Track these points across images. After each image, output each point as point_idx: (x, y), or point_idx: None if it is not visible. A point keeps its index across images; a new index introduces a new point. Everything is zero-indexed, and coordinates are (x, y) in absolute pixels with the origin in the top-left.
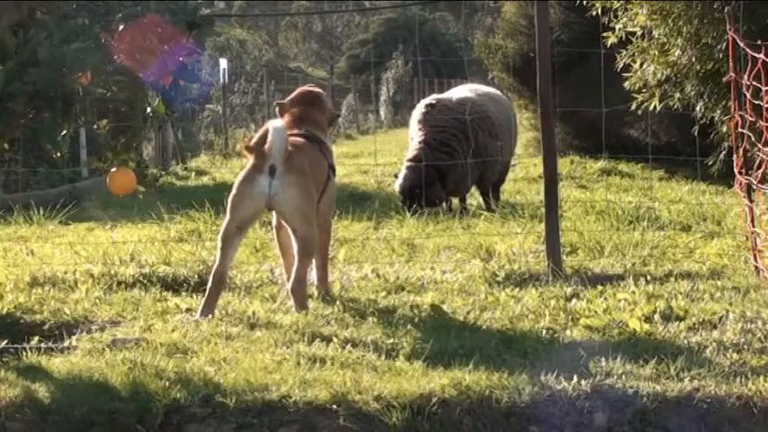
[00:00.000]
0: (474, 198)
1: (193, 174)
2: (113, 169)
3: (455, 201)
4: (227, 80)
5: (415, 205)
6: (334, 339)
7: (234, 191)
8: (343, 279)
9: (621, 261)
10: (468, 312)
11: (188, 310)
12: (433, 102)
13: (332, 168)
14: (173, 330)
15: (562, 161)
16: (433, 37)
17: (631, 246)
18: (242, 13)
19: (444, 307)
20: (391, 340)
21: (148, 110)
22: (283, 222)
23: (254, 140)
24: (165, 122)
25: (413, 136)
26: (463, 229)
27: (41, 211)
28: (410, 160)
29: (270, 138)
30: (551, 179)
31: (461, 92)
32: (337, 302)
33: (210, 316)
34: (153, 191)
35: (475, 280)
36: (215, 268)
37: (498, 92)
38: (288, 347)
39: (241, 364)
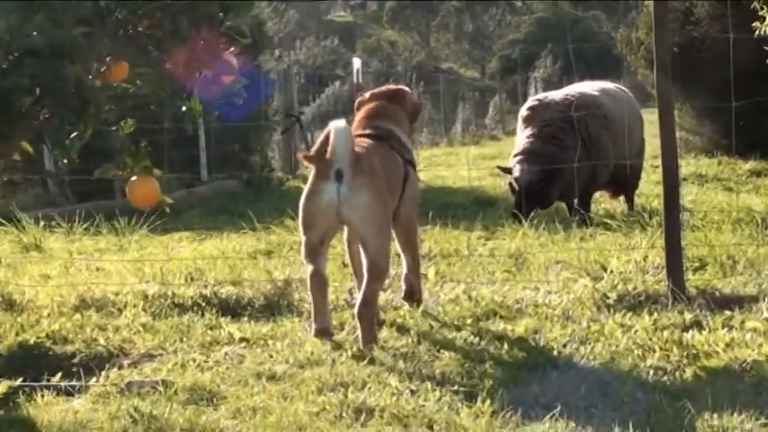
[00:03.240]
0: (599, 204)
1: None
2: (133, 178)
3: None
4: (360, 81)
5: (532, 206)
6: (393, 382)
7: (301, 210)
8: (430, 301)
9: (756, 279)
10: (565, 345)
11: (243, 339)
12: (539, 98)
13: (410, 164)
14: (210, 367)
15: (709, 162)
16: (586, 36)
17: None
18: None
19: (538, 338)
20: (459, 385)
21: (183, 108)
22: (353, 234)
23: (314, 147)
24: (293, 125)
25: (518, 138)
26: (582, 240)
27: (129, 221)
28: (520, 153)
29: (332, 139)
30: (671, 184)
31: (572, 88)
32: (412, 332)
33: (325, 328)
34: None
35: (582, 303)
36: (310, 273)
37: (619, 87)
38: (335, 392)
39: (270, 415)
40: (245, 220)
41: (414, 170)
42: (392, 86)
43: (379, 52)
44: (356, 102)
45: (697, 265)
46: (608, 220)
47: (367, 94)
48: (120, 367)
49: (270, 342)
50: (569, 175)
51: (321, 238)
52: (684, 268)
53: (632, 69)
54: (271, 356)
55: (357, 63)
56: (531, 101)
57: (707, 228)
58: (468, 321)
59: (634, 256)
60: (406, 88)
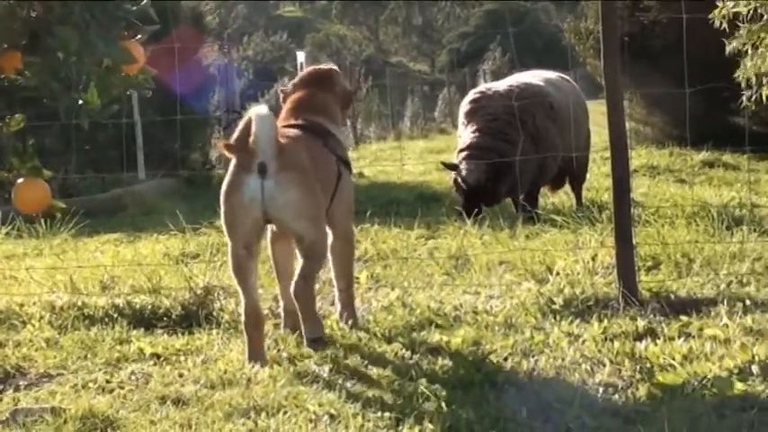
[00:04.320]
0: (546, 199)
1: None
2: (20, 180)
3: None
4: None
5: (478, 204)
6: (312, 406)
7: (222, 205)
8: (361, 309)
9: (714, 280)
10: (506, 359)
11: (153, 355)
12: (482, 90)
13: (344, 163)
14: (112, 390)
15: (660, 153)
16: (535, 27)
17: (728, 258)
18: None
19: (477, 351)
20: (386, 409)
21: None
22: (285, 234)
23: (234, 136)
24: (234, 121)
25: (460, 133)
26: (527, 239)
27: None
28: (466, 149)
29: (254, 128)
30: (621, 179)
31: (514, 78)
32: (338, 344)
33: (260, 364)
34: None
35: (526, 309)
36: (244, 307)
37: (562, 76)
38: (245, 418)
39: None
40: (178, 220)
41: (348, 170)
42: (319, 67)
43: (327, 47)
44: (280, 92)
45: (650, 264)
46: (555, 217)
47: (290, 84)
48: (18, 389)
49: (182, 358)
50: (517, 170)
51: (247, 243)
52: (636, 268)
53: (581, 60)
54: (180, 375)
55: (301, 57)
56: (472, 93)
57: (659, 223)
58: (401, 332)
59: (582, 255)
60: (335, 68)
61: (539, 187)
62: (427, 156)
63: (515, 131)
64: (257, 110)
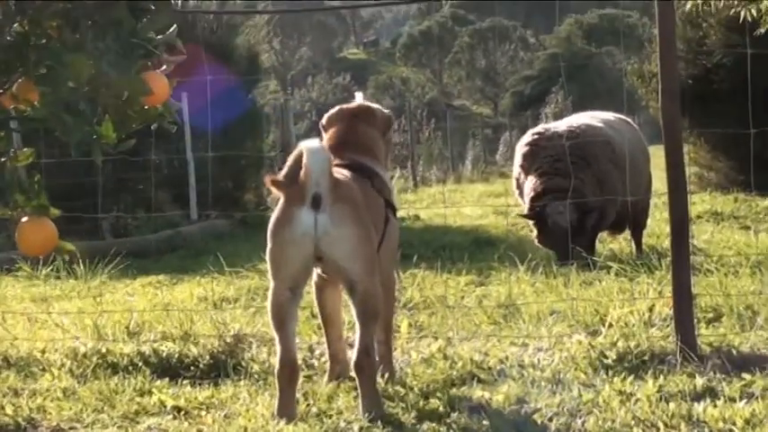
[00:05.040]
0: (605, 245)
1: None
2: (24, 219)
3: None
4: None
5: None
6: None
7: (270, 241)
8: (400, 360)
9: None
10: (551, 419)
11: (175, 408)
12: (539, 131)
13: (391, 208)
14: None
15: (725, 198)
16: (600, 71)
17: None
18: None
19: (521, 410)
20: None
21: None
22: (333, 277)
23: (284, 171)
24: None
25: (517, 175)
26: (583, 286)
27: (98, 262)
28: (544, 192)
29: (307, 160)
30: (680, 224)
31: (574, 118)
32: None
33: (292, 419)
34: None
35: (576, 363)
36: (279, 356)
37: (621, 117)
38: None
39: None
40: (227, 261)
41: (394, 214)
42: (357, 104)
43: (390, 89)
44: (320, 125)
45: (710, 316)
46: (611, 264)
47: (328, 115)
48: None
49: (204, 413)
50: (596, 210)
51: (293, 284)
52: (695, 321)
53: (644, 104)
54: None
55: (359, 97)
56: (530, 135)
57: (722, 272)
58: (441, 387)
59: (638, 306)
60: (372, 105)
61: (597, 233)
62: (485, 199)
63: (582, 172)
64: (308, 143)
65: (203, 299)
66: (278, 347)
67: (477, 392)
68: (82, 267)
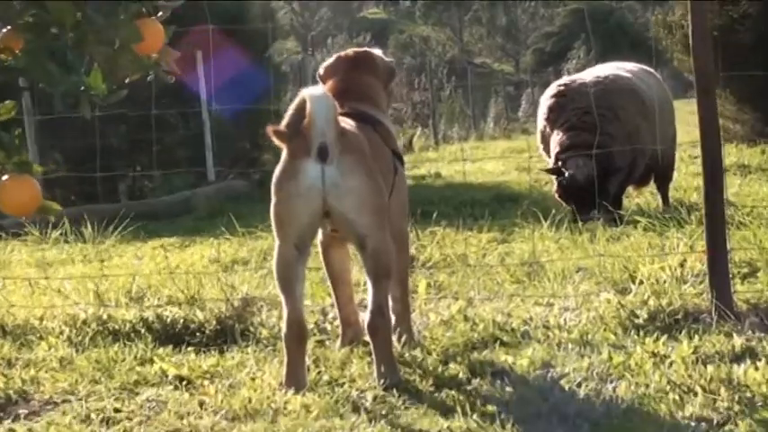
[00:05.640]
0: (631, 200)
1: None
2: (4, 177)
3: None
4: None
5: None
6: None
7: (274, 197)
8: (418, 323)
9: None
10: (579, 385)
11: (177, 377)
12: (566, 82)
13: (398, 157)
14: (118, 421)
15: (752, 151)
16: (621, 26)
17: None
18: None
19: (546, 374)
20: None
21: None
22: (342, 233)
23: (285, 121)
24: None
25: (543, 128)
26: (609, 242)
27: (108, 225)
28: (567, 149)
29: (311, 109)
30: (713, 174)
31: (600, 69)
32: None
33: (300, 387)
34: None
35: (605, 323)
36: (286, 319)
37: (645, 69)
38: None
39: None
40: (241, 223)
41: (401, 164)
42: (356, 50)
43: (411, 48)
44: (318, 75)
45: (746, 271)
46: (639, 218)
47: (323, 68)
48: (16, 418)
49: (207, 382)
50: (619, 167)
51: (300, 241)
52: (731, 276)
53: (668, 55)
54: (201, 404)
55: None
56: (555, 86)
57: (755, 225)
58: (461, 351)
59: (669, 261)
60: (372, 51)
61: (625, 188)
62: (508, 155)
63: (611, 125)
64: (311, 90)
65: (214, 261)
66: (284, 309)
67: (501, 356)
68: (90, 231)
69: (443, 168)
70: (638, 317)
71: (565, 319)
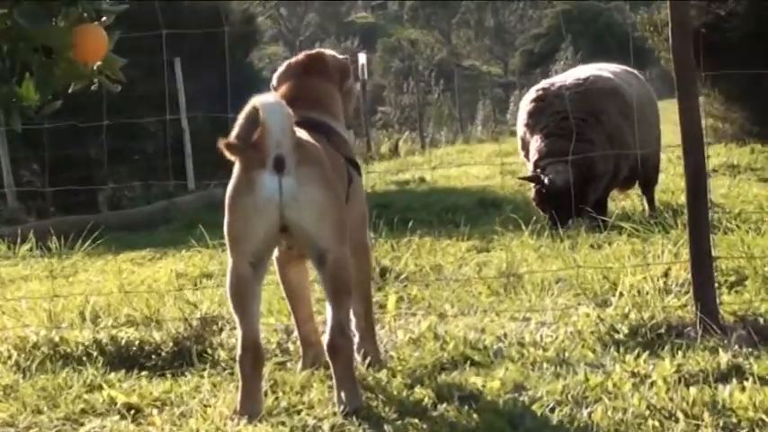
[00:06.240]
0: (617, 203)
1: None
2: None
3: None
4: (365, 77)
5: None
6: None
7: (227, 211)
8: (385, 342)
9: None
10: (553, 410)
11: (126, 406)
12: (544, 86)
13: (353, 164)
14: None
15: (741, 150)
16: (610, 27)
17: None
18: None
19: (518, 398)
20: None
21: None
22: (299, 248)
23: (235, 132)
24: None
25: (523, 134)
26: (592, 249)
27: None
28: (545, 157)
29: (264, 118)
30: (696, 177)
31: (580, 71)
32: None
33: (255, 413)
34: None
35: (583, 339)
36: (240, 340)
37: (627, 69)
38: None
39: None
40: (218, 233)
41: (358, 173)
42: (306, 53)
43: (399, 51)
44: (272, 86)
45: (733, 279)
46: (623, 224)
47: (275, 77)
48: None
49: (156, 411)
50: (601, 173)
51: (255, 258)
52: (716, 286)
53: (656, 54)
54: None
55: (362, 58)
56: (534, 91)
57: (742, 230)
58: (429, 372)
59: (653, 271)
60: (326, 52)
61: (609, 192)
62: (495, 159)
63: (591, 130)
64: (263, 97)
65: (182, 275)
66: (239, 330)
67: (470, 378)
68: (56, 245)
69: (428, 173)
70: (618, 332)
71: (541, 336)
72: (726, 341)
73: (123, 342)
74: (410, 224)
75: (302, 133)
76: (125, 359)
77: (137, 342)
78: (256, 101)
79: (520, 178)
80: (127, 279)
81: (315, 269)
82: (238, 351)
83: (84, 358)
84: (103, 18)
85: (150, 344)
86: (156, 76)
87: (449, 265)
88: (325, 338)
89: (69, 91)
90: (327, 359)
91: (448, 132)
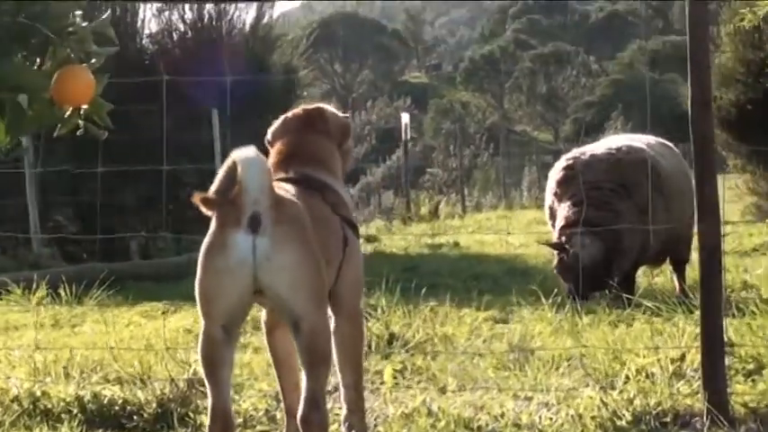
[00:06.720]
0: (649, 278)
1: (361, 240)
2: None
3: None
4: (408, 137)
5: (593, 286)
6: None
7: (200, 271)
8: (375, 416)
9: None
10: None
11: None
12: (575, 155)
13: (351, 226)
14: None
15: None
16: (663, 99)
17: None
18: None
19: None
20: None
21: None
22: (277, 312)
23: (213, 187)
24: None
25: (551, 203)
26: (612, 325)
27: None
28: (572, 225)
29: (241, 174)
30: (710, 257)
31: (613, 140)
32: None
33: None
34: None
35: (583, 424)
36: (210, 409)
37: (662, 142)
38: None
39: None
40: None
41: (355, 234)
42: (305, 108)
43: (451, 113)
44: (266, 141)
45: (752, 367)
46: (645, 302)
47: (272, 128)
48: None
49: None
50: (628, 247)
51: (227, 322)
52: (732, 373)
53: None
54: None
55: (405, 118)
56: (564, 160)
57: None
58: None
59: (667, 353)
60: (325, 107)
61: (637, 268)
62: (534, 227)
63: (621, 203)
64: (242, 152)
65: (189, 331)
66: (209, 398)
67: None
68: (66, 294)
69: (463, 238)
70: (620, 418)
71: (540, 417)
72: None
73: (106, 400)
74: (423, 291)
75: (288, 189)
76: (106, 418)
77: (120, 401)
78: (235, 155)
79: (544, 243)
80: (130, 333)
81: (291, 336)
82: (207, 421)
83: (64, 415)
84: (92, 60)
85: (134, 404)
86: (195, 125)
87: (462, 335)
88: (299, 411)
89: (54, 135)
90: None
91: (492, 197)
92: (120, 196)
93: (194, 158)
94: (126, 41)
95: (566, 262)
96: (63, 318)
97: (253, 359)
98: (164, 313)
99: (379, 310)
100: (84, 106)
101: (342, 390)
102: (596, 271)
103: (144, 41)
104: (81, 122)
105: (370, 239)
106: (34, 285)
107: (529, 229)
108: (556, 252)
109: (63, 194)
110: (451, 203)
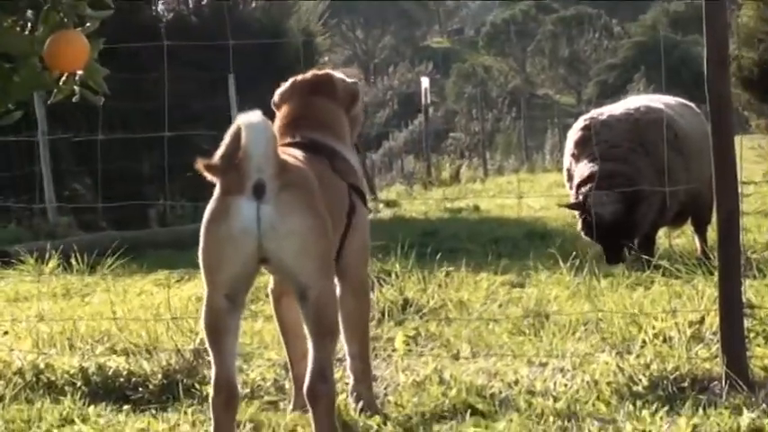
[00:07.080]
0: (671, 239)
1: (381, 205)
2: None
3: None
4: (428, 101)
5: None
6: None
7: (202, 239)
8: (386, 385)
9: None
10: None
11: None
12: (593, 115)
13: (358, 192)
14: None
15: None
16: (684, 60)
17: None
18: None
19: None
20: None
21: None
22: (281, 281)
23: (219, 153)
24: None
25: (569, 164)
26: (630, 288)
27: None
28: (587, 180)
29: (246, 139)
30: (728, 220)
31: (632, 101)
32: None
33: None
34: None
35: (599, 390)
36: (213, 379)
37: (684, 103)
38: None
39: None
40: None
41: (363, 201)
42: (314, 72)
43: (473, 77)
44: (273, 103)
45: None
46: (665, 263)
47: (279, 91)
48: None
49: None
50: (646, 205)
51: (231, 290)
52: (753, 336)
53: None
54: None
55: (425, 82)
56: (582, 120)
57: None
58: (426, 421)
59: (685, 317)
60: (332, 73)
61: (657, 229)
62: (555, 189)
63: (640, 160)
64: (247, 117)
65: (199, 299)
66: (213, 368)
67: (469, 430)
68: (79, 263)
69: (484, 201)
70: (637, 383)
71: (555, 383)
72: (752, 399)
73: (111, 372)
74: (439, 256)
75: (297, 155)
76: (110, 390)
77: (125, 372)
78: (240, 120)
79: (563, 205)
80: (141, 302)
81: (297, 305)
82: (211, 392)
83: (67, 388)
84: (87, 24)
85: (139, 375)
86: (212, 91)
87: (476, 300)
88: (305, 382)
89: (49, 102)
90: (308, 404)
91: (515, 161)
92: (137, 164)
93: (212, 125)
94: (141, 7)
95: (588, 221)
96: (74, 288)
97: (264, 327)
98: (176, 282)
99: (393, 276)
100: (80, 72)
101: (348, 359)
102: (619, 227)
103: (159, 8)
104: (77, 88)
105: (389, 204)
106: (47, 255)
107: (550, 192)
108: (578, 213)
109: (80, 163)
110: (473, 167)
